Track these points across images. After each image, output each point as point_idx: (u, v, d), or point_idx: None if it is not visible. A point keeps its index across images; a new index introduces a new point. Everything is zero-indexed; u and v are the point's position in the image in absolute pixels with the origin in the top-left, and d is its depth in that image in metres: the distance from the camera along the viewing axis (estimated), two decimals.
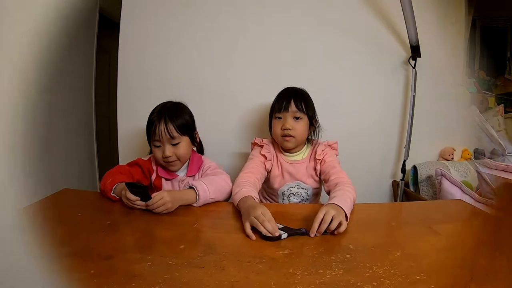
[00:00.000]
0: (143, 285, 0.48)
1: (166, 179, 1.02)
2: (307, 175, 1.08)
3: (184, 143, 0.97)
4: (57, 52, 1.83)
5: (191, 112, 1.05)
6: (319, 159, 1.04)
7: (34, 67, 1.60)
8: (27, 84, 1.55)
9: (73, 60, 2.10)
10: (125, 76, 1.41)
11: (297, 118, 1.02)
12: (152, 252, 0.59)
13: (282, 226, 0.68)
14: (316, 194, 1.14)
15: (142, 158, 1.04)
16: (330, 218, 0.67)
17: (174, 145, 0.95)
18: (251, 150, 1.12)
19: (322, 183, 1.09)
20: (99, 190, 0.91)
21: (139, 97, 1.41)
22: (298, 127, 1.01)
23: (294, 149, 1.07)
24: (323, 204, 1.17)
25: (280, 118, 1.03)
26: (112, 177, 0.88)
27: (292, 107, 1.01)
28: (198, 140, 1.06)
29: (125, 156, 1.43)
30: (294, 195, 1.08)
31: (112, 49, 1.92)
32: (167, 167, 0.99)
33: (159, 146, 0.95)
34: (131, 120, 1.41)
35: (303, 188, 1.08)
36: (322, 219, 0.67)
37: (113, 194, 0.84)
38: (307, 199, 1.10)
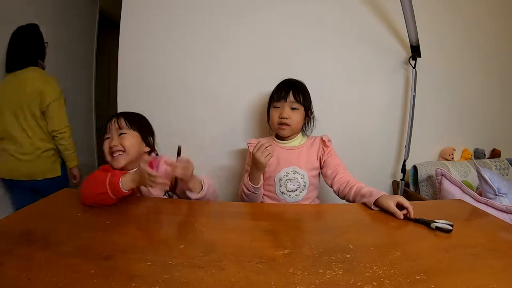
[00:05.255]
0: (143, 285, 0.47)
1: None
2: (303, 161, 1.11)
3: (132, 136, 0.95)
4: (57, 52, 1.83)
5: (148, 122, 1.05)
6: (327, 144, 1.10)
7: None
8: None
9: (73, 60, 2.10)
10: (125, 76, 1.41)
11: (294, 108, 1.08)
12: (152, 252, 0.58)
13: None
14: (314, 185, 1.14)
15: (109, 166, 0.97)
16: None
17: (121, 135, 0.93)
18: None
19: (321, 173, 1.14)
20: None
21: (139, 97, 1.41)
22: (294, 116, 1.08)
23: (289, 137, 1.14)
24: (318, 201, 1.18)
25: (278, 107, 1.10)
26: (102, 178, 0.79)
27: (290, 97, 1.08)
28: (152, 144, 1.02)
29: None
30: (290, 180, 1.10)
31: (112, 49, 1.92)
32: (112, 163, 0.93)
33: (108, 138, 0.94)
34: None
35: (299, 173, 1.10)
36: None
37: (121, 188, 0.76)
38: (304, 186, 1.11)
